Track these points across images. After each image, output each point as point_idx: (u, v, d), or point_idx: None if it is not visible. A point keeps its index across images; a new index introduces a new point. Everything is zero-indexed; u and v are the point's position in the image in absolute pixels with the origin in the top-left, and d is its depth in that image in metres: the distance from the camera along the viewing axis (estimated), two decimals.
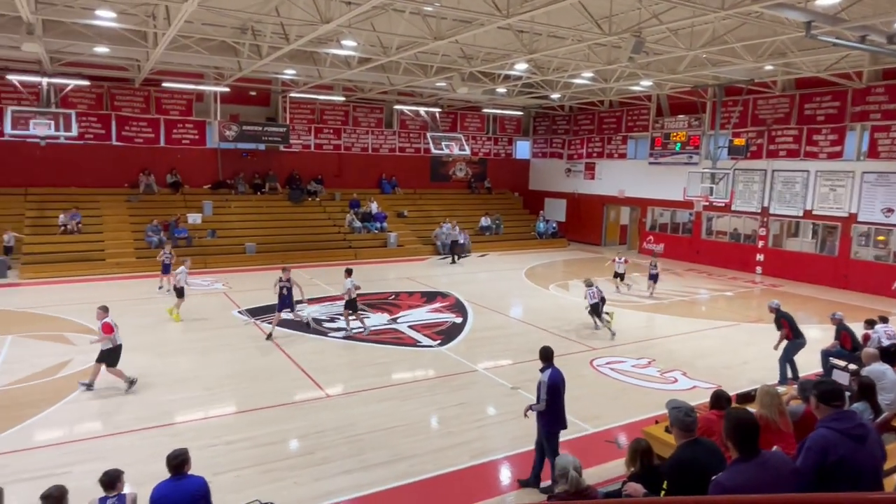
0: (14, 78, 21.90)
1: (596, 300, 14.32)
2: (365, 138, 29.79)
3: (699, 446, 4.16)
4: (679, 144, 25.63)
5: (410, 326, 14.56)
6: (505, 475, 7.75)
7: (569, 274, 22.77)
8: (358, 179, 29.59)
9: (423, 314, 15.89)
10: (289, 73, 22.82)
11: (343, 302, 13.93)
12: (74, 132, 21.87)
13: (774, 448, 4.48)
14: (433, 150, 28.66)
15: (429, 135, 29.23)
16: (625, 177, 28.83)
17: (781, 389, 8.01)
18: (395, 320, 15.14)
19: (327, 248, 24.54)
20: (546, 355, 7.37)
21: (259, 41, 17.62)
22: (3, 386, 10.19)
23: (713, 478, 3.48)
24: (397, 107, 29.55)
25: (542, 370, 7.29)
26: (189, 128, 25.81)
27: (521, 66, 19.70)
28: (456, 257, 24.76)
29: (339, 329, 14.16)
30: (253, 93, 26.74)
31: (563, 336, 14.03)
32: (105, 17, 14.38)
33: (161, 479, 5.11)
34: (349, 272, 13.89)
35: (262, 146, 26.96)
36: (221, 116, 25.44)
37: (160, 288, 17.73)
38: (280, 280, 13.49)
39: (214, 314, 15.50)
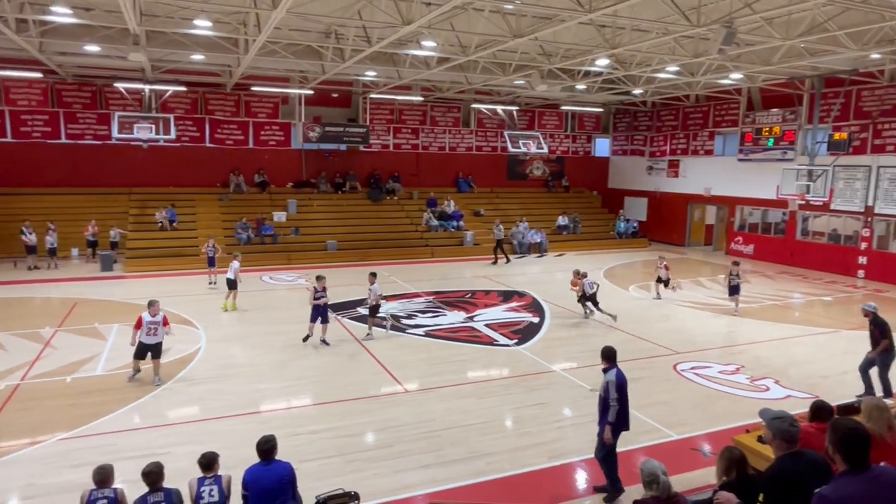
0: (120, 86, 23.66)
1: (594, 290, 15.05)
2: (442, 137, 30.06)
3: (803, 458, 3.90)
4: (772, 140, 24.23)
5: (487, 325, 14.56)
6: (583, 478, 7.61)
7: (650, 275, 22.02)
8: (435, 178, 29.90)
9: (499, 313, 15.85)
10: (370, 74, 23.35)
11: (368, 307, 13.61)
12: (173, 135, 23.32)
13: (882, 464, 4.15)
14: (510, 149, 28.51)
15: (506, 133, 29.11)
16: (711, 174, 27.57)
17: (889, 402, 7.42)
18: (471, 318, 15.19)
19: (405, 245, 24.95)
20: (609, 355, 7.15)
21: (342, 44, 18.14)
22: (110, 370, 11.02)
23: (816, 490, 3.27)
24: (475, 105, 29.62)
25: (605, 370, 7.09)
26: (275, 129, 26.96)
27: (602, 62, 19.25)
28: (501, 258, 23.84)
29: (417, 326, 14.37)
30: (335, 95, 27.57)
31: (645, 339, 13.61)
32: (202, 27, 15.25)
33: (251, 463, 5.38)
34: (374, 276, 13.66)
35: (343, 146, 27.76)
36: (305, 118, 26.38)
37: (211, 284, 18.33)
38: (315, 290, 12.73)
39: (297, 309, 16.07)
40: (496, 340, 13.39)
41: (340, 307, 16.02)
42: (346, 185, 28.08)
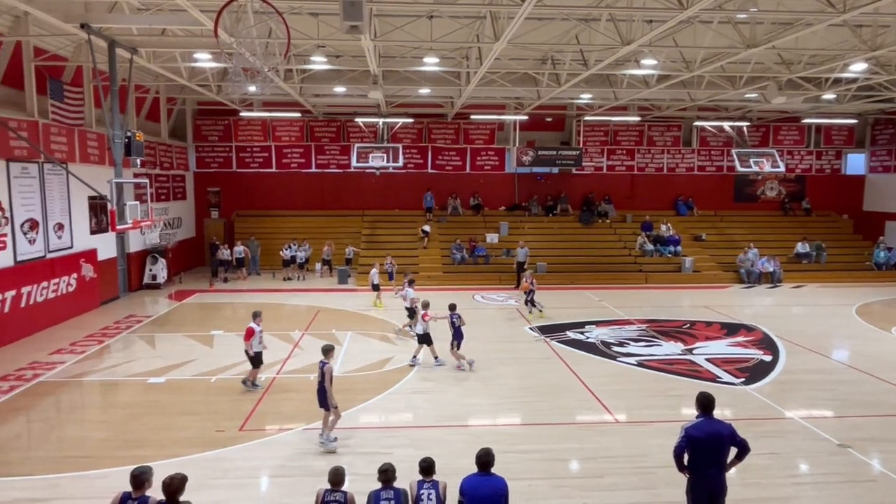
0: (360, 120, 26.75)
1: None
2: (660, 158, 28.67)
3: None
4: None
5: (708, 359, 13.39)
6: None
7: None
8: (651, 201, 28.58)
9: (722, 347, 14.49)
10: (584, 97, 23.27)
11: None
12: (401, 163, 25.66)
13: None
14: (738, 168, 26.07)
15: (734, 151, 26.71)
16: None
17: None
18: (690, 351, 14.11)
19: (617, 270, 24.15)
20: (702, 402, 5.98)
21: (558, 69, 18.39)
22: (344, 372, 12.35)
23: None
24: (697, 123, 27.77)
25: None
26: (490, 155, 28.17)
27: (857, 67, 16.79)
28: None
29: (629, 354, 13.78)
30: (549, 119, 27.97)
31: None
32: (430, 63, 16.62)
33: (463, 473, 5.59)
34: (426, 305, 12.85)
35: (555, 169, 27.97)
36: (519, 143, 27.14)
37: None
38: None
39: (507, 328, 16.47)
40: (719, 377, 12.24)
41: (549, 330, 16.04)
42: (558, 207, 28.17)
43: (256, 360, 11.23)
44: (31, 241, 15.48)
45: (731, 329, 16.26)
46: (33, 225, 15.57)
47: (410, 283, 15.94)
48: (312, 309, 18.51)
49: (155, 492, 5.26)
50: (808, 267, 24.83)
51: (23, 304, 14.83)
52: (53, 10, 12.38)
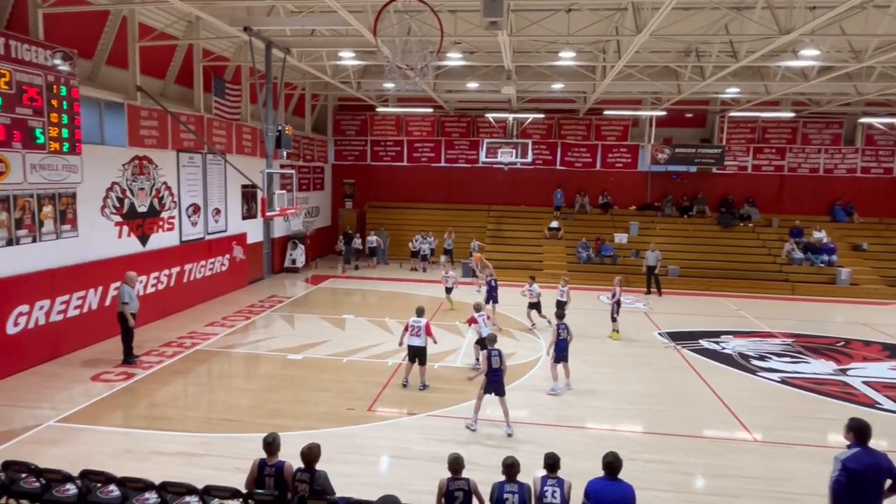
0: (490, 116, 26.90)
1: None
2: (815, 157, 26.09)
3: None
4: None
5: (866, 382, 12.03)
6: None
7: None
8: (802, 204, 26.14)
9: (884, 370, 12.95)
10: (731, 91, 21.68)
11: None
12: (529, 158, 25.50)
13: None
14: None
15: None
16: None
17: None
18: (843, 371, 12.75)
19: (759, 278, 22.36)
20: (859, 430, 5.34)
21: (703, 62, 17.31)
22: (466, 364, 12.53)
23: None
24: (863, 120, 24.90)
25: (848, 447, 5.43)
26: (623, 152, 27.15)
27: None
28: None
29: (770, 370, 12.73)
30: (689, 115, 26.43)
31: None
32: (566, 58, 16.32)
33: (585, 475, 5.48)
34: (478, 308, 12.15)
35: (692, 168, 26.37)
36: (654, 140, 25.91)
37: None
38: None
39: (635, 333, 15.83)
40: (879, 403, 10.96)
41: (679, 337, 15.24)
42: (694, 208, 26.59)
43: (425, 356, 11.13)
44: (194, 224, 17.25)
45: (894, 351, 14.49)
46: (195, 209, 17.34)
47: (532, 279, 15.89)
48: (437, 300, 18.94)
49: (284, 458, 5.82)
50: None
51: (185, 280, 16.59)
52: (221, 15, 13.66)
